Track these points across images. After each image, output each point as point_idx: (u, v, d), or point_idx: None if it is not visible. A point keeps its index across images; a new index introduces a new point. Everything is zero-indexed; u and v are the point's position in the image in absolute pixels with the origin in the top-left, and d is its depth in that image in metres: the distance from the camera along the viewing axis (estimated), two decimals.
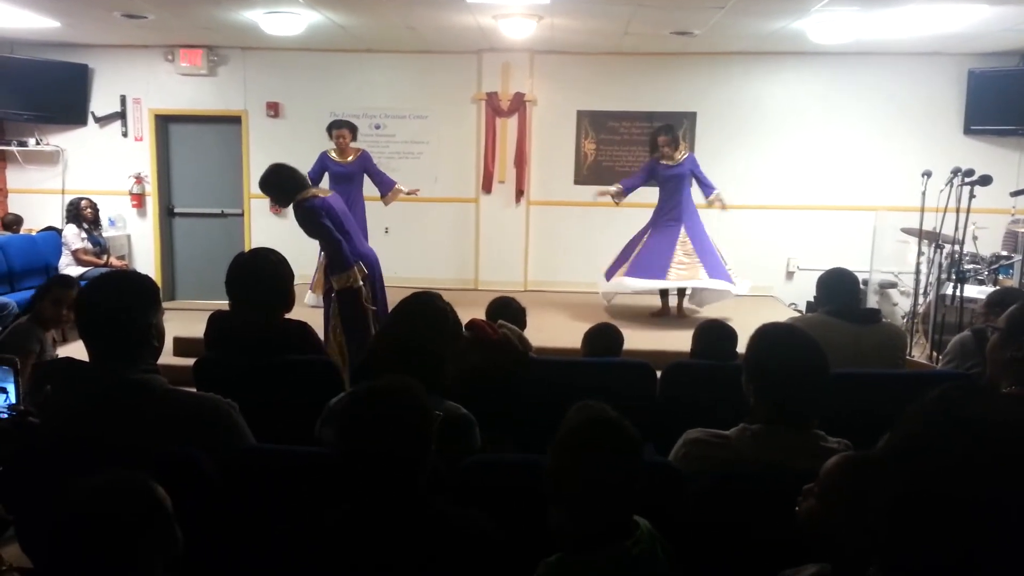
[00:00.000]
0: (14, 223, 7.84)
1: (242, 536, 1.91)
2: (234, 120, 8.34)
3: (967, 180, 5.53)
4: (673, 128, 6.69)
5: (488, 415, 2.23)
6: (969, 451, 0.86)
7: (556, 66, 8.11)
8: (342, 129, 6.92)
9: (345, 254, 4.52)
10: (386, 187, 7.02)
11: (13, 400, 2.17)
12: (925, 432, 0.91)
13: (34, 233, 7.82)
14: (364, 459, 1.61)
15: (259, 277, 3.01)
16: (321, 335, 3.80)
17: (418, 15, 6.58)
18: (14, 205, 8.33)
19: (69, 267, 7.23)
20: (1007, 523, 0.84)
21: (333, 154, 6.92)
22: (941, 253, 6.20)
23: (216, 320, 3.06)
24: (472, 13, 6.39)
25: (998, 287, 5.83)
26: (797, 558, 1.54)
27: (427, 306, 2.33)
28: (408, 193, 7.05)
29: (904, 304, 7.35)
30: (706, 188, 6.62)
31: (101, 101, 8.32)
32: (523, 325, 3.47)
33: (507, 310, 3.49)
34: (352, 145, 6.99)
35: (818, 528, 1.49)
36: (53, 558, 1.47)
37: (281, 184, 4.51)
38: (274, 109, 8.25)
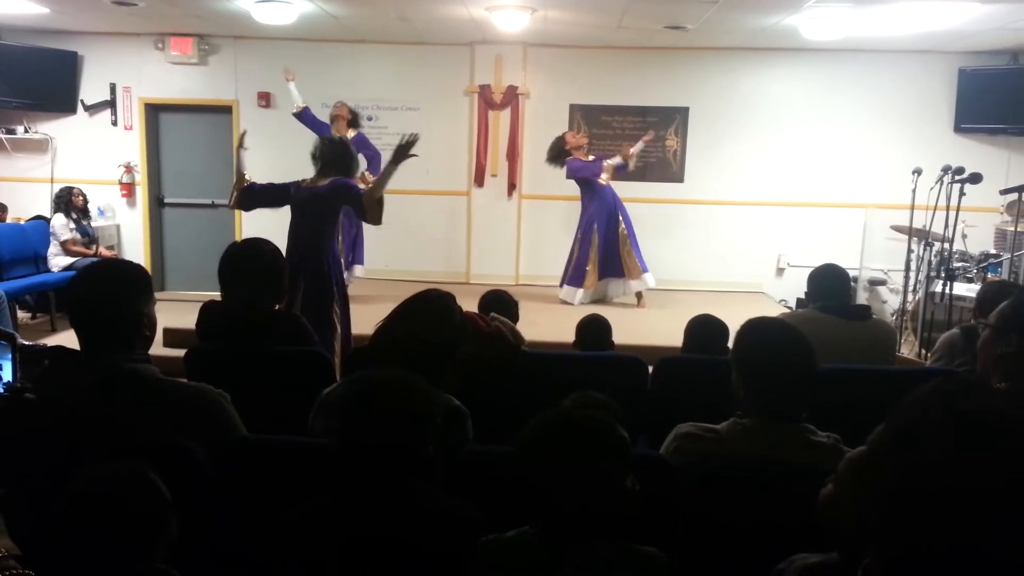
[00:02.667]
0: None
1: (233, 525, 1.91)
2: (225, 110, 8.29)
3: (957, 178, 5.56)
4: None
5: (480, 407, 2.23)
6: (965, 443, 0.87)
7: (549, 59, 8.11)
8: (341, 106, 7.03)
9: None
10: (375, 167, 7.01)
11: (8, 377, 2.16)
12: (921, 424, 0.91)
13: (23, 222, 7.75)
14: (364, 449, 1.61)
15: (251, 267, 3.00)
16: None
17: (411, 6, 6.55)
18: (2, 194, 8.26)
19: (58, 256, 7.18)
20: (1002, 516, 0.85)
21: (334, 131, 6.92)
22: (930, 251, 6.24)
23: (208, 310, 3.05)
24: (465, 5, 6.37)
25: (989, 283, 5.87)
26: (788, 551, 1.55)
27: (434, 303, 2.32)
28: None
29: (893, 301, 7.39)
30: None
31: (91, 89, 8.26)
32: (515, 318, 3.47)
33: (500, 303, 3.48)
34: (350, 132, 7.02)
35: (832, 515, 1.50)
36: (52, 549, 1.46)
37: (353, 165, 4.78)
38: (265, 99, 8.21)
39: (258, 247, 3.09)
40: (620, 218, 7.07)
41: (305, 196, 4.49)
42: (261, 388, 2.54)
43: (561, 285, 7.23)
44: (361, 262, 7.39)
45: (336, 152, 4.65)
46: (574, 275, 7.13)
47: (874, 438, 1.02)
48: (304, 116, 7.08)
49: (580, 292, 7.09)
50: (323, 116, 7.47)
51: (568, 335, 3.66)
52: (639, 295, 7.13)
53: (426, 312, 2.28)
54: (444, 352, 2.21)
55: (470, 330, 2.46)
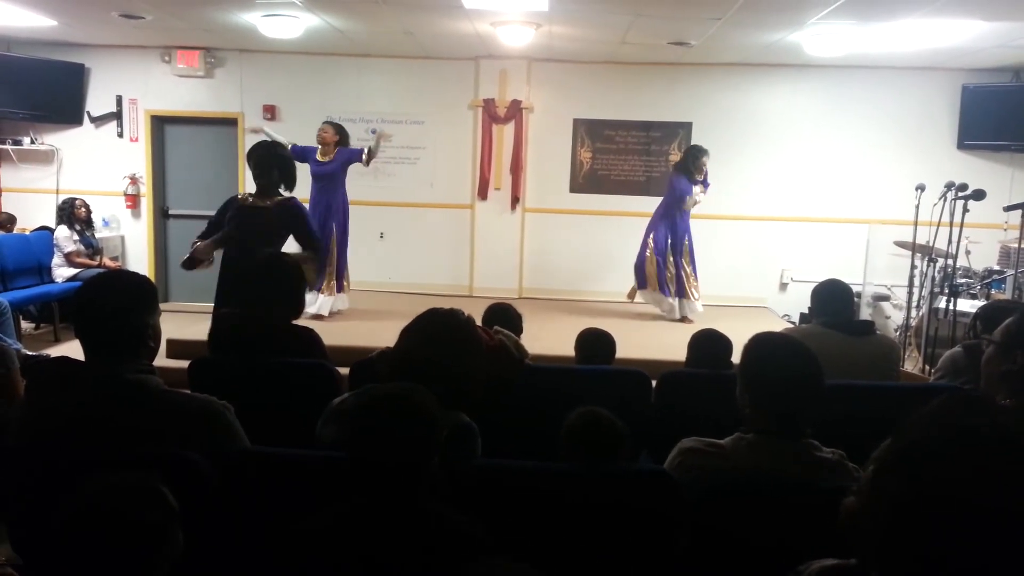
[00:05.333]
0: (7, 222, 7.80)
1: (238, 537, 1.91)
2: (230, 122, 8.33)
3: (960, 194, 5.56)
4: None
5: (484, 421, 2.22)
6: (972, 460, 0.87)
7: (553, 74, 8.14)
8: (324, 124, 6.81)
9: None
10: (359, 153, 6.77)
11: None
12: (928, 440, 0.91)
13: (28, 233, 7.78)
14: (371, 466, 1.60)
15: (270, 281, 3.01)
16: None
17: (416, 21, 6.59)
18: (8, 204, 8.30)
19: (61, 267, 7.20)
20: (1009, 532, 0.84)
21: (319, 155, 6.73)
22: (934, 267, 6.24)
23: (223, 321, 3.05)
24: (470, 20, 6.41)
25: (989, 300, 5.86)
26: (792, 566, 1.54)
27: (450, 324, 2.30)
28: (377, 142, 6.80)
29: (897, 317, 7.38)
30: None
31: (97, 101, 8.31)
32: (519, 331, 3.46)
33: (504, 316, 3.48)
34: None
35: (854, 525, 1.49)
36: (57, 558, 1.46)
37: (292, 170, 4.55)
38: (271, 112, 8.24)
39: (280, 261, 3.12)
40: (686, 237, 7.10)
41: (249, 215, 4.39)
42: (265, 400, 2.54)
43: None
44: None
45: (273, 159, 4.50)
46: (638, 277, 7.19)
47: (880, 454, 1.02)
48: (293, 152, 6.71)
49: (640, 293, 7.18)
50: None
51: (572, 348, 3.65)
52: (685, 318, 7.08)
53: (442, 336, 2.25)
54: (462, 374, 2.21)
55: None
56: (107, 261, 7.55)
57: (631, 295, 7.31)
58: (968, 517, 0.86)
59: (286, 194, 4.56)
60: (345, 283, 6.88)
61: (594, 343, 3.55)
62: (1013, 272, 6.33)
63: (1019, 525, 0.85)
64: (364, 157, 6.70)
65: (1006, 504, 0.85)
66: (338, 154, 6.73)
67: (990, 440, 0.88)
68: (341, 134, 6.81)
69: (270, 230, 4.36)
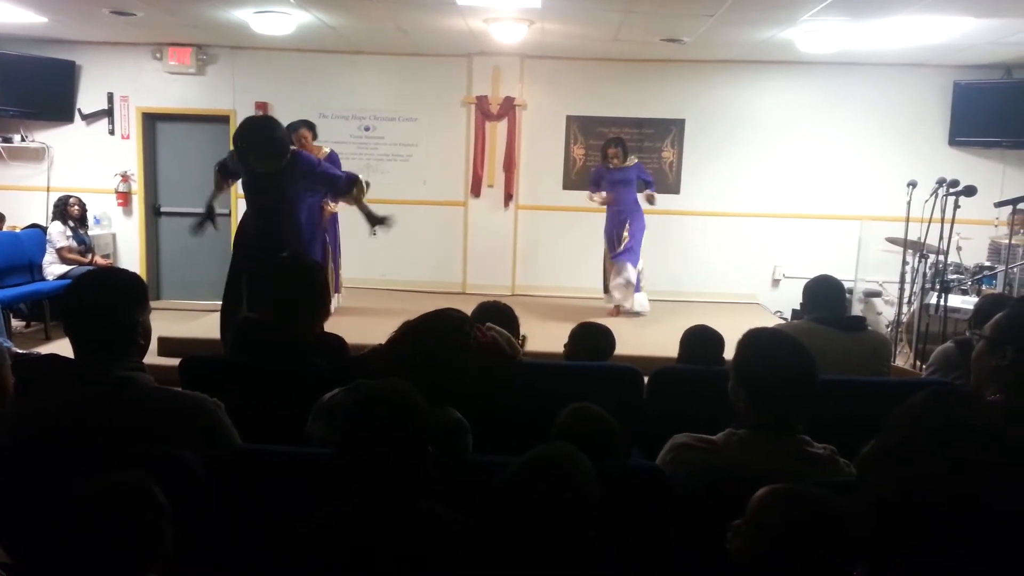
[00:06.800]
0: None
1: (230, 536, 1.90)
2: (222, 120, 8.29)
3: (952, 191, 5.59)
4: (623, 142, 7.14)
5: (476, 417, 2.22)
6: (953, 454, 0.87)
7: (546, 71, 8.14)
8: (300, 130, 6.27)
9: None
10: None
11: None
12: (908, 437, 0.91)
13: (18, 230, 7.74)
14: (362, 463, 1.60)
15: (308, 284, 2.93)
16: None
17: (409, 17, 6.57)
18: None
19: (53, 265, 7.17)
20: (994, 525, 0.85)
21: None
22: (925, 263, 6.26)
23: (248, 328, 2.88)
24: (463, 16, 6.39)
25: (986, 295, 5.89)
26: None
27: (438, 319, 2.29)
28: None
29: (888, 313, 7.41)
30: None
31: (88, 98, 8.27)
32: (516, 330, 3.43)
33: (499, 314, 3.45)
34: (316, 144, 6.43)
35: (749, 564, 1.51)
36: (47, 557, 1.45)
37: (286, 138, 4.44)
38: (263, 109, 8.20)
39: (304, 261, 3.08)
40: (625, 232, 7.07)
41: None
42: (256, 397, 2.53)
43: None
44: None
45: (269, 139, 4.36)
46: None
47: (864, 454, 1.03)
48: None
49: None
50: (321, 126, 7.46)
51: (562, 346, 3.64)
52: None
53: (445, 335, 2.25)
54: (456, 374, 2.21)
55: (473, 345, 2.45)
56: (98, 259, 7.52)
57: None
58: (953, 514, 0.86)
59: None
60: (340, 282, 6.86)
61: (595, 338, 3.52)
62: (1003, 268, 6.35)
63: (1001, 519, 0.85)
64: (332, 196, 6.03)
65: (989, 498, 0.86)
66: (329, 159, 6.24)
67: (970, 435, 0.88)
68: (312, 128, 6.46)
69: (289, 194, 4.35)
